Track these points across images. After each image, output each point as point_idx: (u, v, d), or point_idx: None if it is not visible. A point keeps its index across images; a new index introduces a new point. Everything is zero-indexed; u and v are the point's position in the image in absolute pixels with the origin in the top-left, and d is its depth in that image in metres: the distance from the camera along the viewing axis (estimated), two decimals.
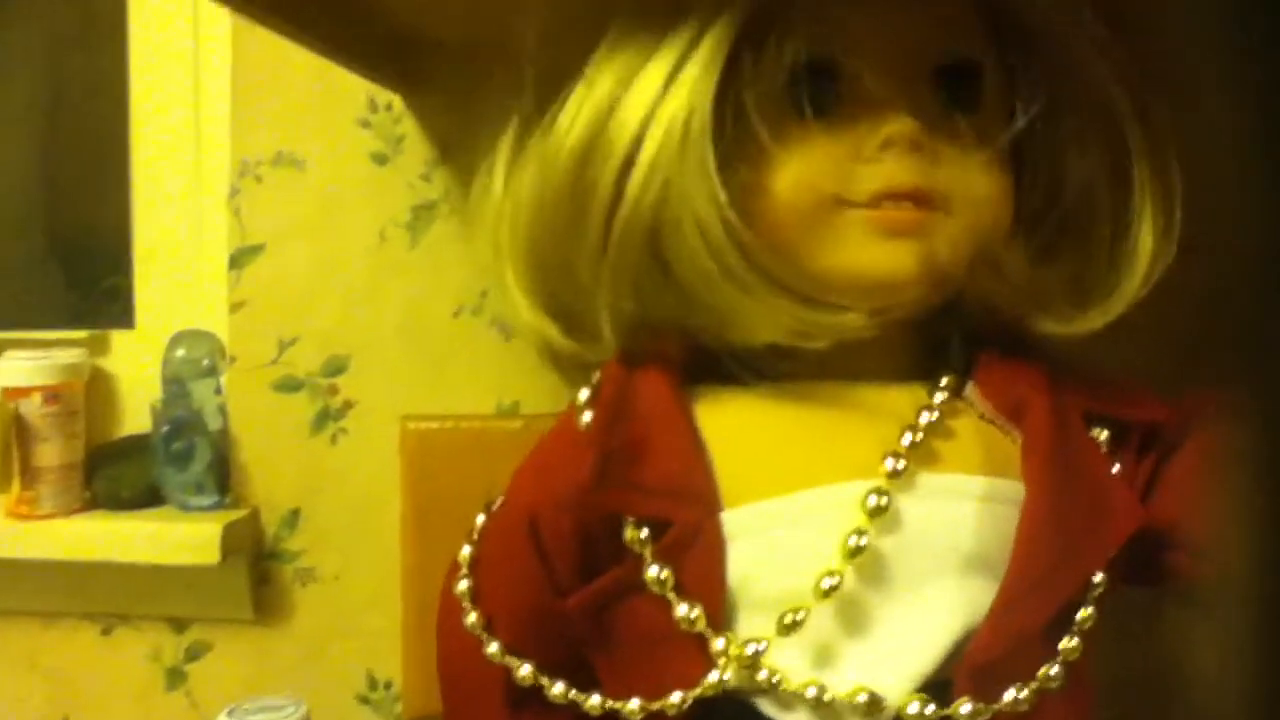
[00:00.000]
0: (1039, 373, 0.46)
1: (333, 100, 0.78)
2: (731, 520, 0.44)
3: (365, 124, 0.78)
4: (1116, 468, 0.45)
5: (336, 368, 0.79)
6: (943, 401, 0.46)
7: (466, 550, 0.49)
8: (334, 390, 0.79)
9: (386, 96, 0.77)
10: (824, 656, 0.42)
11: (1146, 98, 0.46)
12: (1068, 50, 0.46)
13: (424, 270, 0.77)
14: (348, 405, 0.79)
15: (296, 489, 0.80)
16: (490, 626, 0.47)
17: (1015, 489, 0.44)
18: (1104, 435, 0.46)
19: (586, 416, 0.47)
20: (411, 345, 0.78)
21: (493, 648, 0.47)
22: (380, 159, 0.78)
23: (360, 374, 0.79)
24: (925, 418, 0.45)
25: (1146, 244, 0.47)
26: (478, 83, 0.73)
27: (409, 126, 0.77)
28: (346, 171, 0.78)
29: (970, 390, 0.47)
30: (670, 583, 0.43)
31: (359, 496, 0.79)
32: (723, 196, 0.43)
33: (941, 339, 0.49)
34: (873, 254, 0.44)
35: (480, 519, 0.50)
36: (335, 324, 0.79)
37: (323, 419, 0.79)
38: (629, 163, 0.44)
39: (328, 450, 0.79)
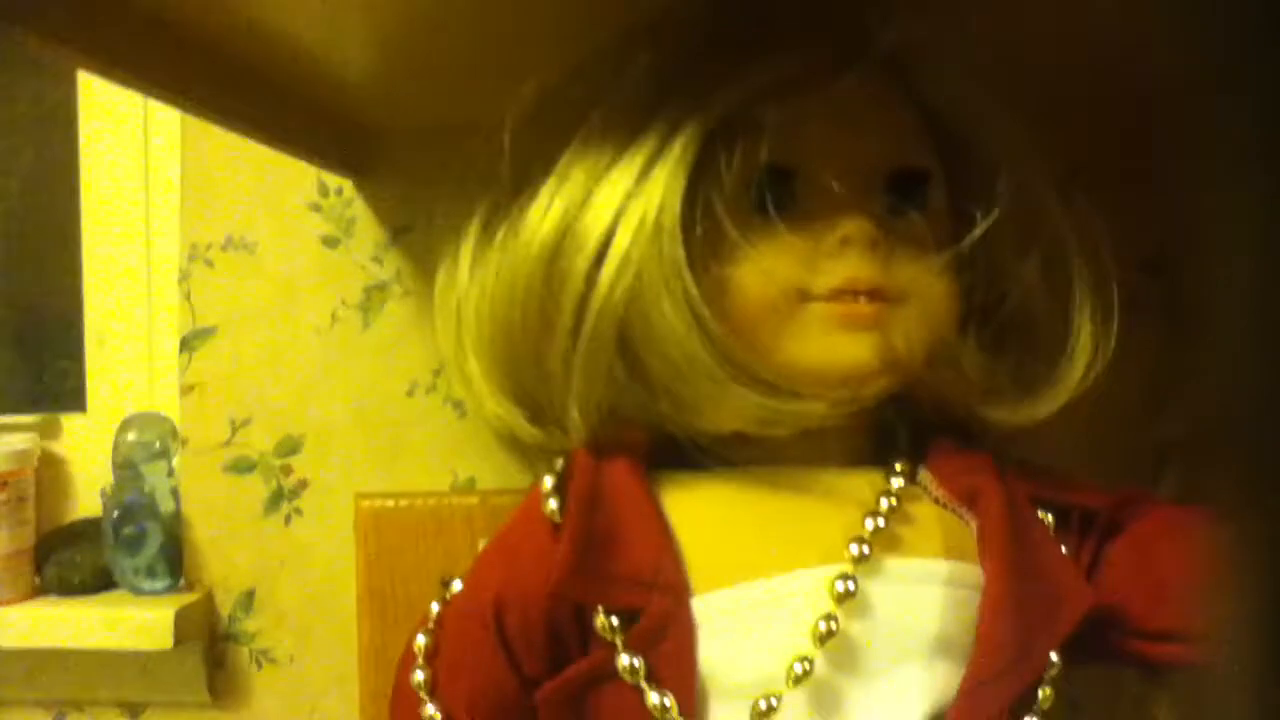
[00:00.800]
0: (986, 459, 0.48)
1: (283, 184, 0.79)
2: (702, 607, 0.44)
3: (316, 208, 0.79)
4: (1063, 550, 0.47)
5: (290, 448, 0.79)
6: (899, 487, 0.47)
7: (422, 639, 0.49)
8: (288, 470, 0.79)
9: (337, 180, 0.78)
10: None
11: (1080, 201, 0.49)
12: (1001, 160, 0.48)
13: (377, 350, 0.78)
14: (302, 485, 0.79)
15: (251, 570, 0.80)
16: None
17: (974, 573, 0.45)
18: (1049, 519, 0.48)
19: (553, 503, 0.47)
20: (365, 424, 0.78)
21: None
22: (331, 242, 0.79)
23: (314, 454, 0.79)
24: (885, 503, 0.46)
25: (1086, 337, 0.49)
26: (428, 167, 0.75)
27: (360, 209, 0.78)
28: (298, 254, 0.79)
29: (923, 475, 0.49)
30: (643, 672, 0.43)
31: (314, 576, 0.79)
32: (695, 291, 0.44)
33: (889, 425, 0.51)
34: (834, 345, 0.45)
35: (435, 607, 0.50)
36: (288, 405, 0.79)
37: (276, 499, 0.79)
38: (601, 256, 0.45)
39: (282, 531, 0.79)
